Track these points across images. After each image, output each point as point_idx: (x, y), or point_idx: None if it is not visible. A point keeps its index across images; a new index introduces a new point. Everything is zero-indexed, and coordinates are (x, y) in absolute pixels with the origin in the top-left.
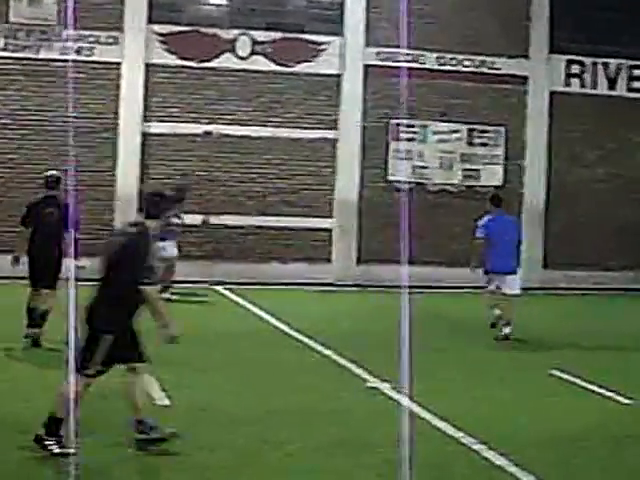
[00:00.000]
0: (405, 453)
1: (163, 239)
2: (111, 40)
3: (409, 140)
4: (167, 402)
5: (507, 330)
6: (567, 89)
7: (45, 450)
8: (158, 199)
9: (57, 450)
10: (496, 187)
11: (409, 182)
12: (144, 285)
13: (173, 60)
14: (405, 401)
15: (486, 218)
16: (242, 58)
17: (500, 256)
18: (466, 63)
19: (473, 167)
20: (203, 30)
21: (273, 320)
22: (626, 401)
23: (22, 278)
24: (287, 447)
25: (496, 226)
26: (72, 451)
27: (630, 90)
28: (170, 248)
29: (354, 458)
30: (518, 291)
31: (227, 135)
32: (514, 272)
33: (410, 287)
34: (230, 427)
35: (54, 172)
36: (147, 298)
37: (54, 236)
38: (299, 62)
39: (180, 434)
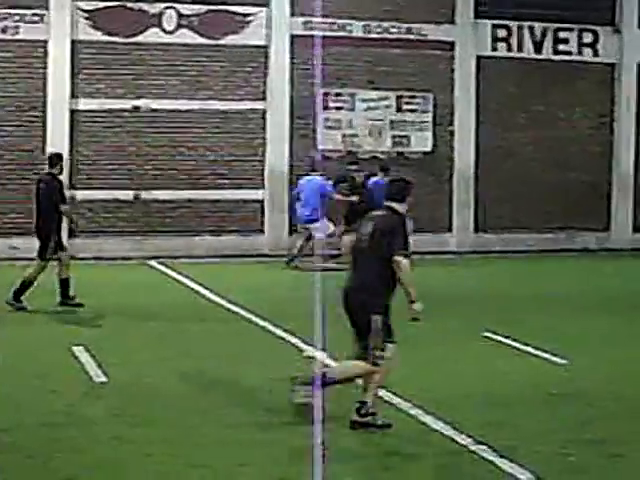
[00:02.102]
0: (344, 420)
1: None
2: (36, 18)
3: (338, 109)
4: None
5: None
6: (494, 53)
7: (367, 427)
8: (403, 184)
9: (380, 422)
10: (425, 153)
11: (339, 150)
12: (400, 260)
13: (99, 36)
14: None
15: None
16: (168, 32)
17: None
18: (392, 30)
19: (402, 133)
20: (129, 5)
21: (207, 293)
22: (561, 361)
23: None
24: (226, 419)
25: None
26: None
27: (556, 53)
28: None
29: (292, 428)
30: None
31: (156, 109)
32: None
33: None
34: (167, 401)
35: (52, 151)
36: (400, 273)
37: (42, 211)
38: (226, 34)
39: (118, 410)
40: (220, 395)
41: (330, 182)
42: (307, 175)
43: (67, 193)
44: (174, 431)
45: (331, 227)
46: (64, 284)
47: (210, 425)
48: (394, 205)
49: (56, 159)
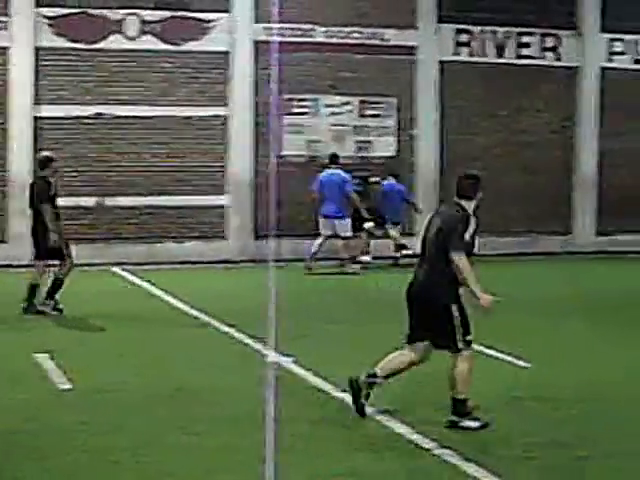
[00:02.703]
0: (306, 425)
1: None
2: None
3: (301, 114)
4: None
5: None
6: (456, 58)
7: (464, 430)
8: (473, 181)
9: (475, 425)
10: (389, 158)
11: (302, 156)
12: (456, 259)
13: (62, 43)
14: (305, 374)
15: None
16: (131, 38)
17: None
18: (355, 35)
19: (365, 139)
20: (91, 12)
21: (171, 299)
22: (525, 364)
23: None
24: (192, 426)
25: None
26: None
27: (518, 57)
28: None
29: (259, 434)
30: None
31: (119, 116)
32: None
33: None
34: (133, 409)
35: (43, 153)
36: (459, 273)
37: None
38: (188, 40)
39: (83, 417)
40: (185, 402)
41: (351, 178)
42: (327, 169)
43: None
44: (140, 439)
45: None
46: (32, 290)
47: (176, 432)
48: (463, 202)
49: (46, 161)
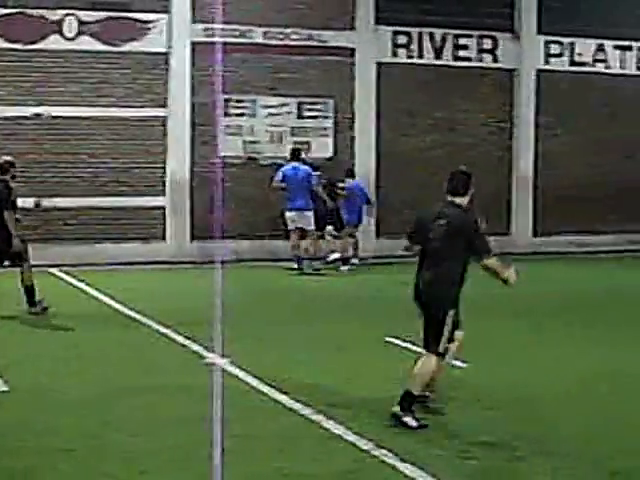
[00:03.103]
0: (245, 427)
1: None
2: None
3: (239, 115)
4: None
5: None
6: (394, 60)
7: (403, 426)
8: (464, 177)
9: (414, 424)
10: (327, 159)
11: (240, 157)
12: (490, 263)
13: (0, 43)
14: (244, 375)
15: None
16: (69, 39)
17: None
18: (293, 37)
19: (303, 139)
20: (29, 12)
21: (109, 300)
22: (461, 365)
23: None
24: (129, 427)
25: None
26: (426, 424)
27: (456, 59)
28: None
29: (197, 435)
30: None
31: (57, 117)
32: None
33: (246, 261)
34: (70, 410)
35: (4, 158)
36: (489, 268)
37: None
38: (126, 41)
39: (20, 419)
40: (122, 403)
41: (315, 173)
42: (290, 163)
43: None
44: (78, 440)
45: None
46: (29, 291)
47: (113, 434)
48: (457, 200)
49: (7, 165)
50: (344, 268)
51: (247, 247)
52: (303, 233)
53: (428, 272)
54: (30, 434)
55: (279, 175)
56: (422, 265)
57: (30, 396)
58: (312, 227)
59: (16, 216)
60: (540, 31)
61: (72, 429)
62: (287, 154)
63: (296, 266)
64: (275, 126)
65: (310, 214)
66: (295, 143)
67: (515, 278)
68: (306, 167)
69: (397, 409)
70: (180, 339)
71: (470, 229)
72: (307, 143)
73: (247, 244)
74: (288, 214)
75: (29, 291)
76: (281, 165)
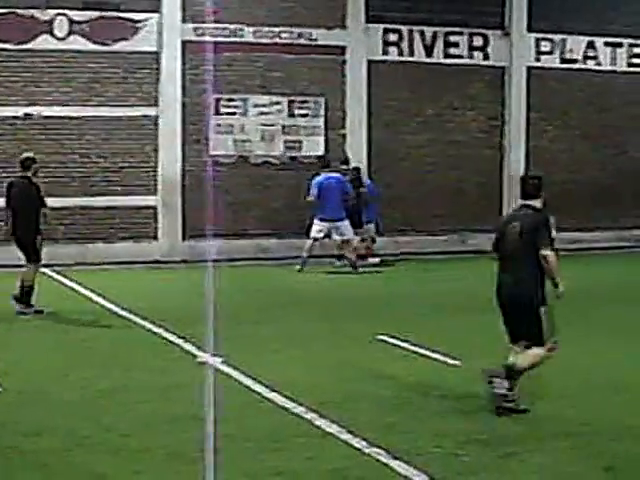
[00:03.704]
0: (238, 426)
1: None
2: None
3: (230, 114)
4: None
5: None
6: (385, 58)
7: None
8: (536, 181)
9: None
10: (318, 157)
11: (232, 156)
12: (547, 254)
13: None
14: (236, 374)
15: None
16: (60, 38)
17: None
18: (284, 36)
19: (295, 138)
20: (20, 12)
21: (101, 300)
22: (454, 362)
23: None
24: (119, 427)
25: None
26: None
27: (447, 56)
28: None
29: (188, 434)
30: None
31: (48, 117)
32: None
33: (238, 260)
34: (61, 410)
35: (25, 155)
36: (547, 266)
37: (20, 215)
38: (117, 40)
39: (12, 419)
40: (113, 403)
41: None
42: (321, 173)
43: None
44: (68, 440)
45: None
46: (28, 292)
47: (105, 434)
48: (530, 202)
49: (29, 162)
50: (339, 263)
51: (239, 246)
52: (342, 243)
53: (509, 274)
54: (21, 434)
55: (315, 190)
56: (503, 268)
57: (21, 396)
58: (350, 235)
59: (44, 211)
60: (531, 28)
61: (64, 429)
62: (278, 153)
63: (299, 267)
64: (266, 125)
65: (343, 223)
66: (286, 142)
67: (563, 293)
68: (338, 175)
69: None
70: (173, 338)
71: (539, 225)
72: (298, 142)
73: (239, 243)
74: (317, 223)
75: (28, 291)
76: (317, 174)
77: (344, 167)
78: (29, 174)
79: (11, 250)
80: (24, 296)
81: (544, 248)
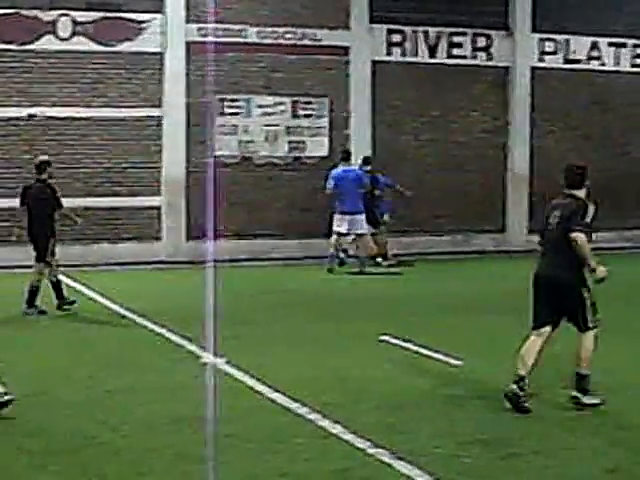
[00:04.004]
0: (241, 427)
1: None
2: None
3: (233, 115)
4: None
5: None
6: (388, 58)
7: (586, 406)
8: (580, 171)
9: (597, 401)
10: (322, 158)
11: (235, 156)
12: (576, 235)
13: None
14: (240, 375)
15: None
16: (63, 39)
17: None
18: (287, 36)
19: (299, 139)
20: (23, 12)
21: (105, 300)
22: (456, 362)
23: None
24: (124, 427)
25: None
26: (599, 401)
27: (450, 57)
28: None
29: (193, 434)
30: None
31: (51, 117)
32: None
33: (241, 260)
34: (65, 410)
35: (40, 158)
36: (576, 247)
37: (36, 216)
38: (121, 41)
39: (14, 420)
40: (118, 403)
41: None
42: (340, 166)
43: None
44: (73, 441)
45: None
46: (57, 286)
47: (108, 434)
48: (574, 192)
49: (45, 165)
50: (385, 263)
51: (243, 246)
52: (358, 237)
53: (549, 260)
54: (26, 435)
55: (330, 182)
56: (542, 254)
57: (22, 397)
58: (364, 230)
59: (62, 211)
60: (534, 29)
61: (69, 429)
62: (282, 153)
63: (328, 267)
64: (270, 125)
65: (360, 217)
66: (290, 142)
67: (605, 274)
68: (355, 169)
69: (576, 393)
70: (176, 339)
71: (575, 211)
72: (302, 142)
73: (243, 243)
74: (337, 217)
75: (33, 292)
76: (333, 167)
77: (367, 168)
78: (44, 177)
79: (23, 250)
80: (29, 296)
81: (573, 230)
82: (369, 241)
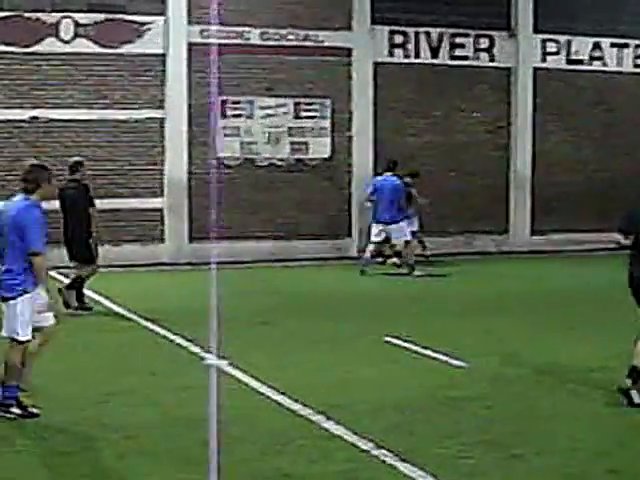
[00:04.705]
0: (245, 428)
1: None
2: None
3: (236, 116)
4: None
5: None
6: (391, 59)
7: (627, 398)
8: None
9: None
10: (325, 159)
11: (238, 158)
12: None
13: None
14: (243, 377)
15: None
16: (66, 41)
17: None
18: (289, 37)
19: (301, 140)
20: (26, 15)
21: (108, 302)
22: (459, 363)
23: None
24: (126, 429)
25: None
26: None
27: (453, 58)
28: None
29: (195, 436)
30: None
31: (54, 119)
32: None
33: (244, 262)
34: (68, 412)
35: (73, 159)
36: None
37: (73, 217)
38: (123, 43)
39: (15, 421)
40: (121, 405)
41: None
42: (381, 174)
43: None
44: (75, 442)
45: (407, 232)
46: (81, 287)
47: (111, 435)
48: None
49: (77, 166)
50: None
51: (245, 248)
52: (405, 244)
53: (638, 263)
54: (25, 436)
55: (370, 187)
56: (635, 256)
57: (29, 398)
58: (407, 237)
59: (91, 211)
60: (537, 29)
61: (72, 430)
62: (284, 155)
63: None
64: (272, 127)
65: (396, 226)
66: (293, 144)
67: None
68: (394, 179)
69: (629, 382)
70: (179, 340)
71: None
72: (304, 143)
73: (246, 245)
74: (374, 225)
75: (78, 286)
76: (379, 174)
77: (409, 180)
78: (78, 177)
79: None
80: (77, 293)
81: None
82: (416, 247)
